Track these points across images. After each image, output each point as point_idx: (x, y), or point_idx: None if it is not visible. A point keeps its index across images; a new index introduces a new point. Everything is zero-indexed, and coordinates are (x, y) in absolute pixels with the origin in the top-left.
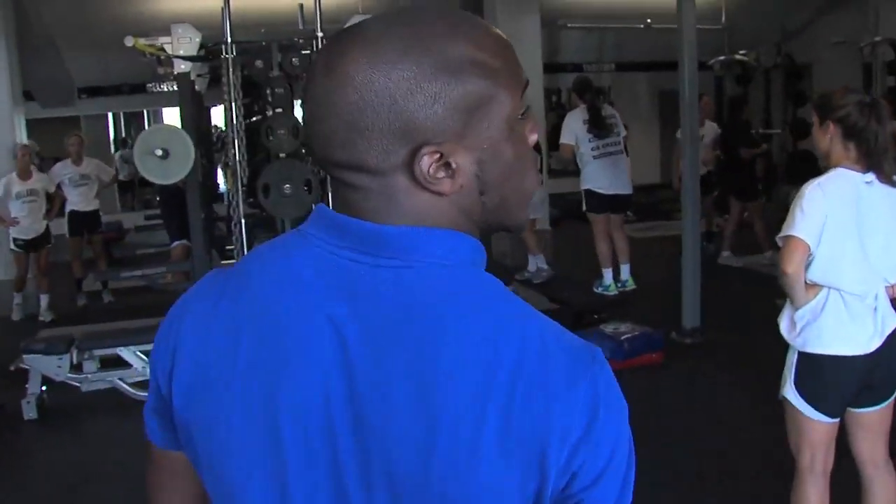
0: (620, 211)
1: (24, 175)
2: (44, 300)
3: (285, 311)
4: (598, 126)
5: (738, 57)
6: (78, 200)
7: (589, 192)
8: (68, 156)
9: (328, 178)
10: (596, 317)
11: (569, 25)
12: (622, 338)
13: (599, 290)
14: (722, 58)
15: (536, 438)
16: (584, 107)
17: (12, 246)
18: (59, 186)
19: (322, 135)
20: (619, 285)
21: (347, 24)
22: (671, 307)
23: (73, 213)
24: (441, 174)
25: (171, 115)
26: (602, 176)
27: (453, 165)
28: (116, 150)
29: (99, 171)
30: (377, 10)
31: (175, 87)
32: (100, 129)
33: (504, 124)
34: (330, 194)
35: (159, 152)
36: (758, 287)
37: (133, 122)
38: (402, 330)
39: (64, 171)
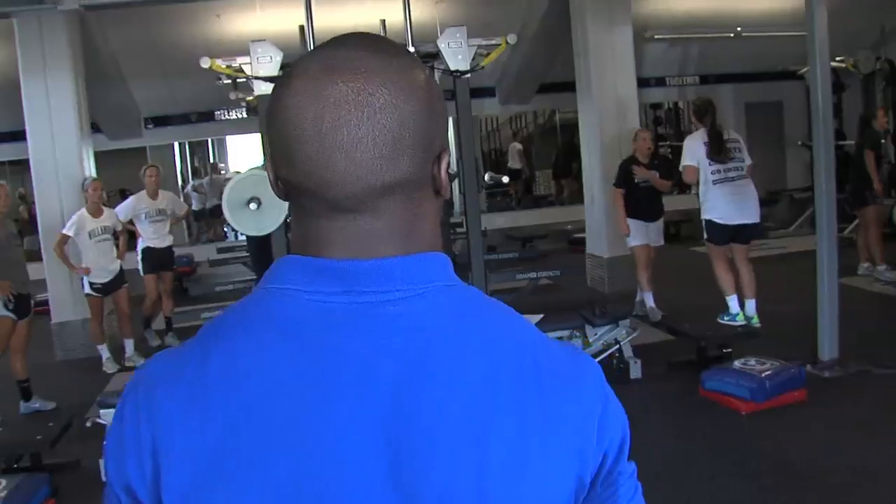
0: (745, 241)
1: (97, 212)
2: (129, 346)
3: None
4: (718, 151)
5: (832, 63)
6: (153, 236)
7: (709, 223)
8: (145, 188)
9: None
10: (724, 350)
11: (656, 37)
12: (763, 375)
13: (725, 319)
14: None
15: (571, 429)
16: (704, 130)
17: (88, 290)
18: (130, 221)
19: (371, 160)
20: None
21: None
22: (798, 335)
23: (148, 250)
24: (446, 176)
25: (236, 142)
26: (724, 204)
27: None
28: (184, 180)
29: (174, 205)
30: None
31: (243, 115)
32: (166, 159)
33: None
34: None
35: (253, 206)
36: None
37: (198, 150)
38: (433, 363)
39: (140, 205)
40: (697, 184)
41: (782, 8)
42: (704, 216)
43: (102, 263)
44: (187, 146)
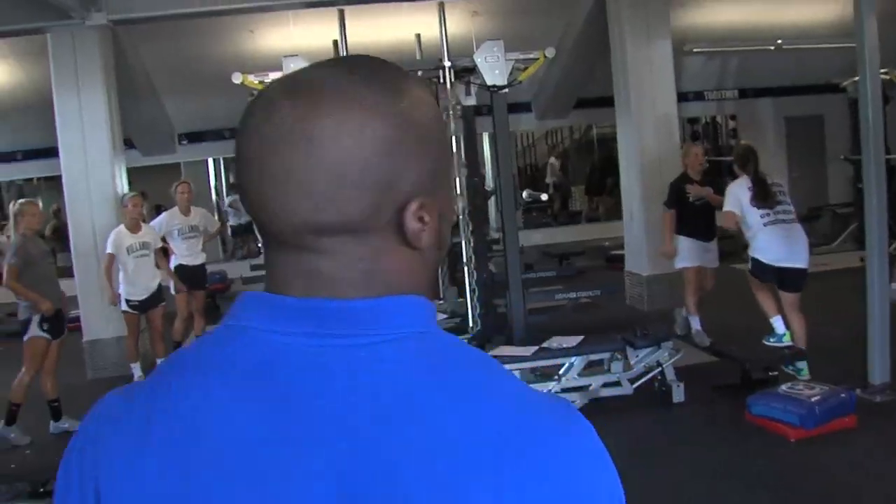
0: (793, 288)
1: (135, 228)
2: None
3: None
4: (764, 198)
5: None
6: (186, 253)
7: (756, 261)
8: (177, 205)
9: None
10: (770, 374)
11: (695, 51)
12: (812, 400)
13: (771, 341)
14: (856, 78)
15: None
16: (747, 177)
17: (124, 307)
18: (163, 239)
19: (301, 196)
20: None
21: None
22: (846, 357)
23: (181, 268)
24: (421, 226)
25: None
26: (774, 246)
27: (426, 219)
28: (218, 196)
29: (206, 222)
30: (489, 37)
31: None
32: (200, 175)
33: (451, 183)
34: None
35: None
36: None
37: (231, 167)
38: (403, 418)
39: (173, 221)
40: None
41: (824, 19)
42: (752, 254)
43: (141, 280)
44: (222, 162)
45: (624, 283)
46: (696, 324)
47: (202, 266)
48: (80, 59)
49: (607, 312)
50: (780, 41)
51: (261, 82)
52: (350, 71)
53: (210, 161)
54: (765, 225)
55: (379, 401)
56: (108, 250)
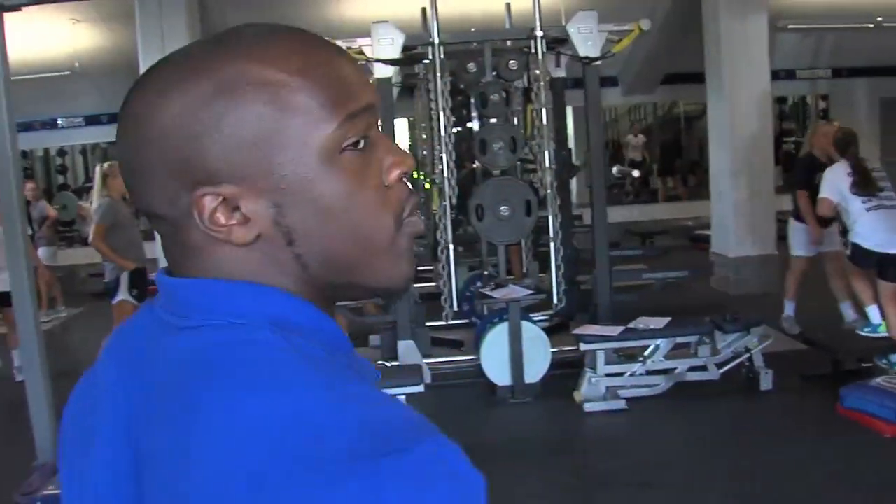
0: (893, 277)
1: None
2: None
3: (100, 385)
4: (866, 185)
5: None
6: None
7: (857, 246)
8: None
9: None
10: (863, 365)
11: (789, 27)
12: None
13: (866, 331)
14: None
15: None
16: (847, 162)
17: None
18: None
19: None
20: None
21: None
22: None
23: None
24: (231, 221)
25: None
26: (877, 232)
27: (243, 210)
28: None
29: None
30: (578, 8)
31: None
32: None
33: (313, 158)
34: None
35: None
36: None
37: None
38: (163, 406)
39: None
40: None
41: None
42: (853, 240)
43: None
44: None
45: (711, 264)
46: (789, 309)
47: None
48: (165, 22)
49: (690, 295)
50: (880, 19)
51: (349, 49)
52: (183, 50)
53: None
54: (867, 210)
55: (153, 392)
56: None
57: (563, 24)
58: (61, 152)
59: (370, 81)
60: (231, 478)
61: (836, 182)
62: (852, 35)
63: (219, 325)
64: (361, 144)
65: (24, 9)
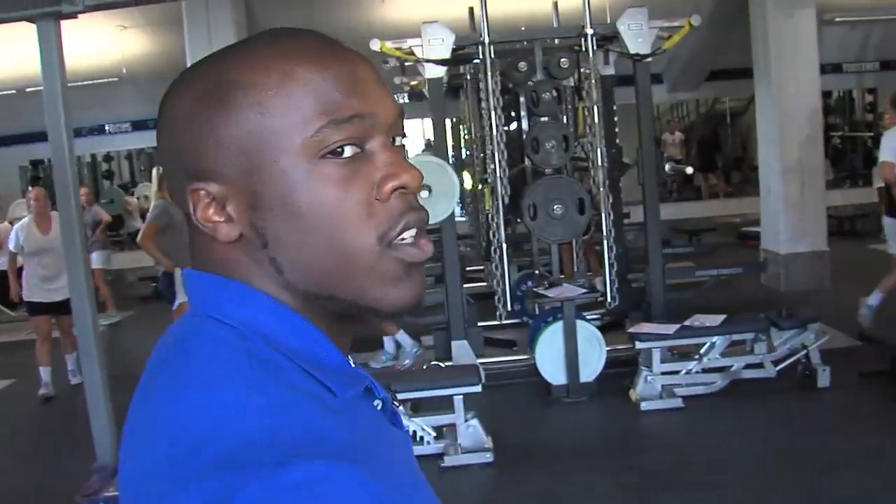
0: None
1: None
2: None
3: None
4: None
5: None
6: None
7: None
8: None
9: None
10: None
11: (837, 20)
12: None
13: None
14: None
15: None
16: None
17: None
18: None
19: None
20: None
21: None
22: None
23: None
24: (219, 218)
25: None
26: None
27: (228, 209)
28: None
29: None
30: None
31: (406, 99)
32: None
33: (289, 164)
34: None
35: (424, 193)
36: None
37: None
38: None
39: None
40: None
41: None
42: None
43: None
44: None
45: (764, 261)
46: (874, 299)
47: None
48: (213, 27)
49: (742, 291)
50: None
51: (398, 49)
52: (209, 55)
53: None
54: None
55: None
56: None
57: (608, 21)
58: (107, 158)
59: (382, 92)
60: (139, 471)
61: (894, 144)
62: None
63: (194, 316)
64: (347, 153)
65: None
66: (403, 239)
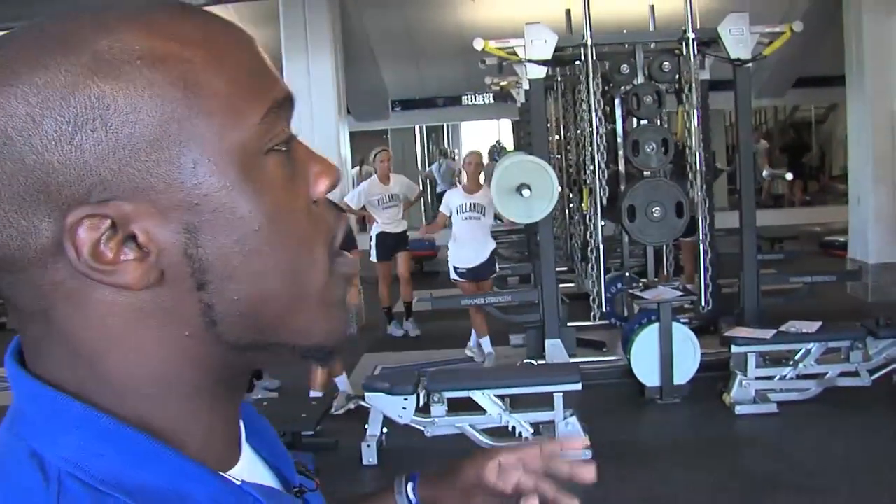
0: None
1: (384, 179)
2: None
3: None
4: None
5: None
6: (387, 221)
7: None
8: (376, 174)
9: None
10: None
11: None
12: None
13: None
14: None
15: None
16: None
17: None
18: (364, 207)
19: None
20: None
21: None
22: None
23: (383, 235)
24: (126, 255)
25: (470, 129)
26: None
27: (140, 238)
28: (423, 164)
29: (406, 190)
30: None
31: (489, 100)
32: (407, 142)
33: (233, 162)
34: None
35: (527, 192)
36: None
37: (432, 136)
38: None
39: (373, 191)
40: None
41: None
42: None
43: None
44: (425, 130)
45: (857, 270)
46: None
47: (404, 233)
48: (309, 24)
49: (827, 300)
50: None
51: (501, 49)
52: (32, 24)
53: (417, 129)
54: None
55: None
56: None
57: (698, 25)
58: None
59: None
60: None
61: None
62: None
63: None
64: (289, 144)
65: None
66: (340, 254)
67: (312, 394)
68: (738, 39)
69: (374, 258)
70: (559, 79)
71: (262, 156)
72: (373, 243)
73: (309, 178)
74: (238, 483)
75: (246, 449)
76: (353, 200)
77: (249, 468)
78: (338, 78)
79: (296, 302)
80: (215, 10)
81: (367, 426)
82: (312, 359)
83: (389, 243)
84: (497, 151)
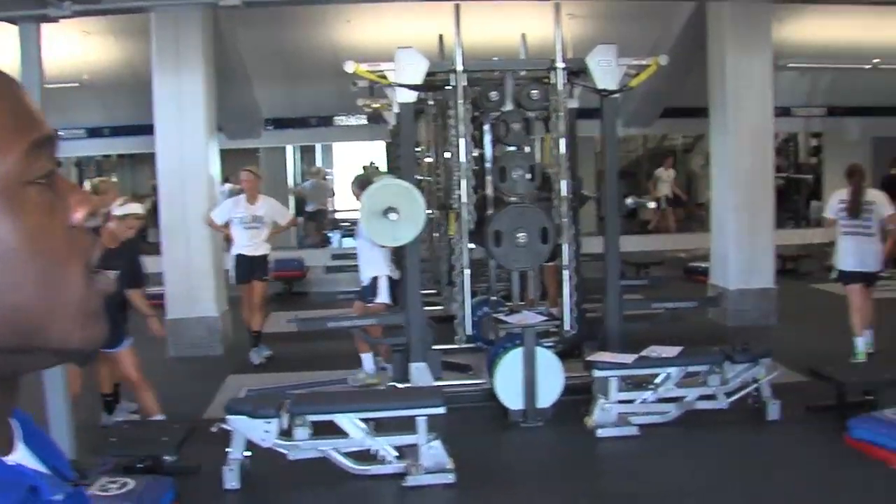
0: None
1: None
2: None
3: None
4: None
5: None
6: (247, 243)
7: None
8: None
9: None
10: (867, 397)
11: (789, 65)
12: None
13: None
14: None
15: None
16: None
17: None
18: (226, 225)
19: None
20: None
21: None
22: None
23: (240, 257)
24: None
25: (343, 150)
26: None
27: None
28: (294, 184)
29: (274, 213)
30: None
31: (361, 121)
32: (278, 161)
33: None
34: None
35: (394, 216)
36: None
37: (306, 156)
38: None
39: (236, 209)
40: None
41: None
42: None
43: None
44: (298, 150)
45: (718, 295)
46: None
47: (263, 258)
48: (181, 41)
49: (689, 325)
50: (876, 60)
51: (372, 72)
52: None
53: (290, 148)
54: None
55: None
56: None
57: (570, 54)
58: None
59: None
60: None
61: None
62: (849, 75)
63: None
64: (49, 178)
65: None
66: (97, 271)
67: (155, 418)
68: (605, 70)
69: (233, 280)
70: (431, 102)
71: (24, 186)
72: (232, 264)
73: (68, 206)
74: (11, 464)
75: (22, 447)
76: (216, 216)
77: (25, 460)
78: (209, 94)
79: (52, 311)
80: (86, 21)
81: (230, 449)
82: (73, 361)
83: (246, 266)
84: (360, 182)
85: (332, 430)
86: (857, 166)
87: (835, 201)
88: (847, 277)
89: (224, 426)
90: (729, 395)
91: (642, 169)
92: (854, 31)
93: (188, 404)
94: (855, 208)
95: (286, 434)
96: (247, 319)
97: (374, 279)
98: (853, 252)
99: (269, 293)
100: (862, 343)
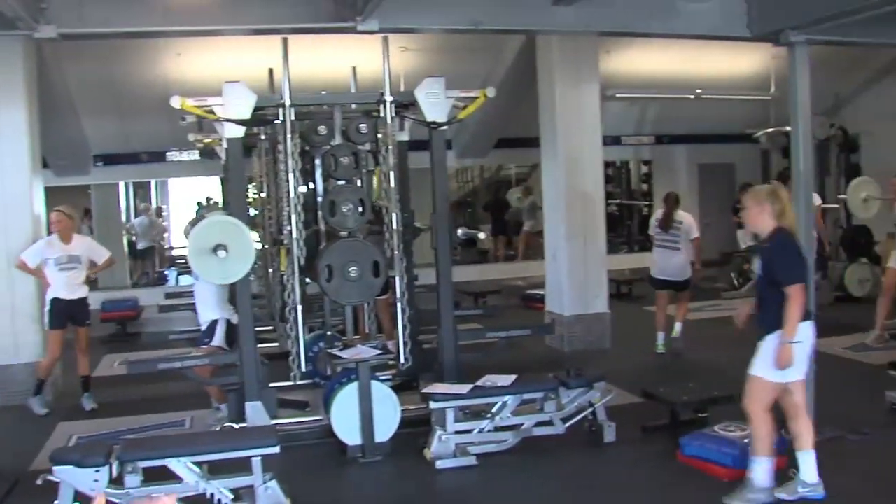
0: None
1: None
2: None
3: None
4: (664, 225)
5: (787, 129)
6: (62, 286)
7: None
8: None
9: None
10: (699, 415)
11: (617, 96)
12: (745, 441)
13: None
14: (770, 130)
15: None
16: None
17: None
18: (38, 268)
19: None
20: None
21: None
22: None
23: (56, 301)
24: None
25: (179, 185)
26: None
27: None
28: (128, 221)
29: (91, 253)
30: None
31: (196, 156)
32: (111, 198)
33: None
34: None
35: (223, 254)
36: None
37: (140, 192)
38: None
39: (49, 250)
40: None
41: (741, 72)
42: None
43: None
44: (131, 186)
45: (552, 322)
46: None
47: (83, 300)
48: (2, 74)
49: (528, 352)
50: (699, 91)
51: (199, 107)
52: None
53: (122, 184)
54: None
55: None
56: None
57: (402, 88)
58: None
59: None
60: None
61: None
62: (674, 105)
63: None
64: None
65: None
66: None
67: None
68: (433, 103)
69: (47, 326)
70: (263, 137)
71: None
72: (46, 309)
73: None
74: None
75: None
76: (28, 258)
77: None
78: (32, 128)
79: None
80: None
81: (57, 502)
82: None
83: (64, 310)
84: (193, 223)
85: (167, 475)
86: (673, 194)
87: (653, 219)
88: (655, 283)
89: (50, 478)
90: (565, 420)
91: (479, 199)
92: (677, 64)
93: (13, 456)
94: (666, 224)
95: (117, 482)
96: (44, 369)
97: (213, 322)
98: (659, 262)
99: (104, 334)
100: (661, 338)
